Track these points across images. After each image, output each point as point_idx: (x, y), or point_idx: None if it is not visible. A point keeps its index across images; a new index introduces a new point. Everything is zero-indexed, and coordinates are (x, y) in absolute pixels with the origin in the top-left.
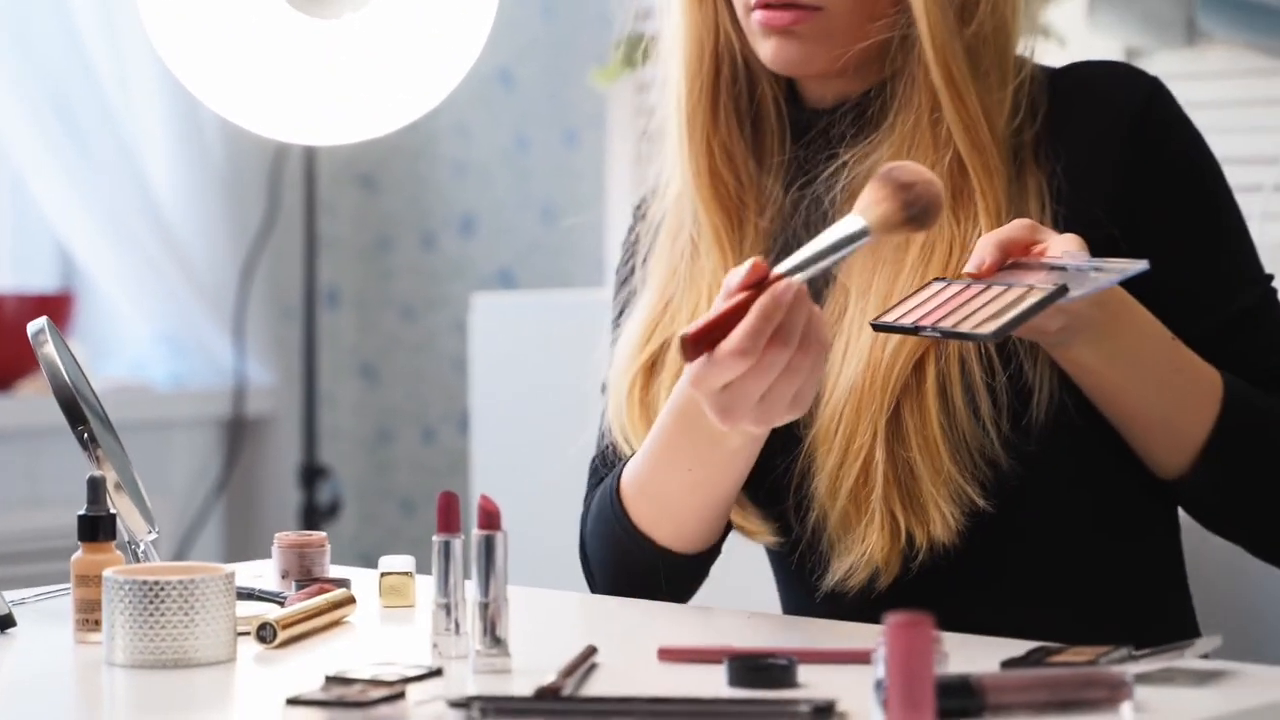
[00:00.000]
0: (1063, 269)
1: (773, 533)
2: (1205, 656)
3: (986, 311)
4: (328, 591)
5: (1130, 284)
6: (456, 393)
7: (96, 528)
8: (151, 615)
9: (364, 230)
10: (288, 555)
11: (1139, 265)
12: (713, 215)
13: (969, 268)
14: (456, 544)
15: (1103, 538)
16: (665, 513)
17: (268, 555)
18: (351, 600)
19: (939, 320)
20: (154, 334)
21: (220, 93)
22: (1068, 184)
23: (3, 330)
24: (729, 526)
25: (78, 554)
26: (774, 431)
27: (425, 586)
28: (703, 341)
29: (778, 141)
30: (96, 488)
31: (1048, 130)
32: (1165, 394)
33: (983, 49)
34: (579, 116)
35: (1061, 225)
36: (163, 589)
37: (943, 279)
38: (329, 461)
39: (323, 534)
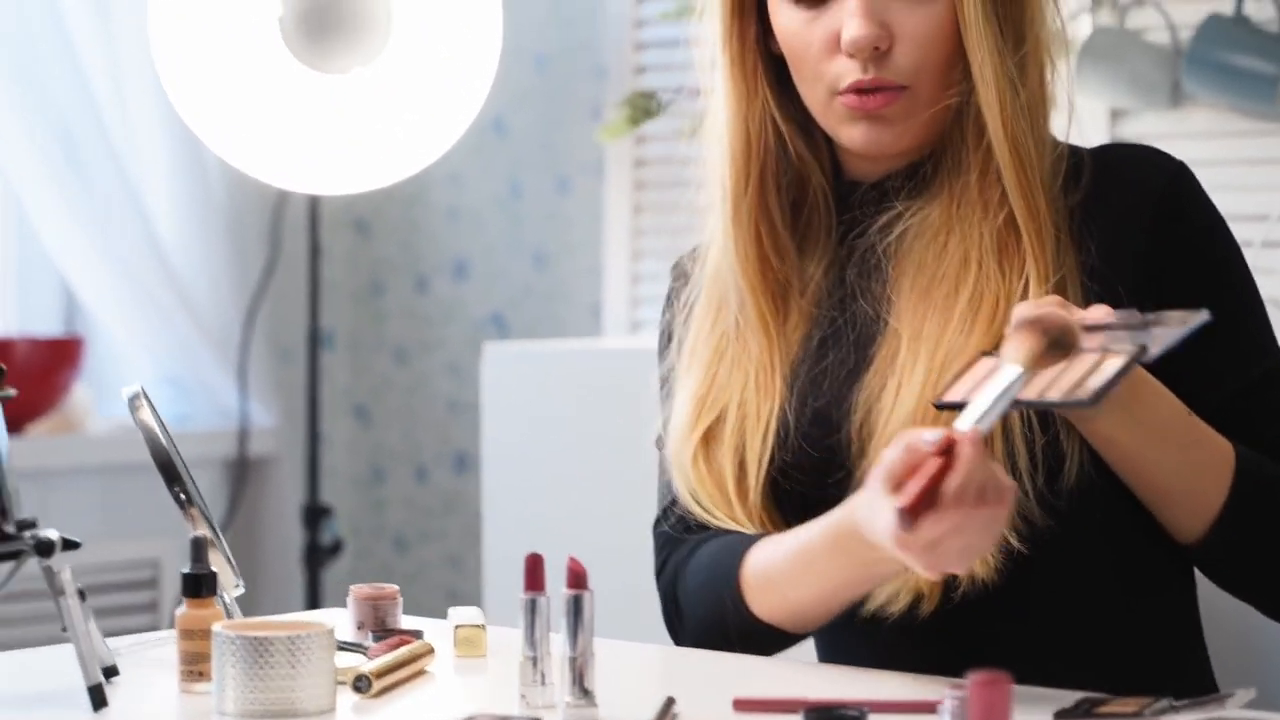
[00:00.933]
0: (1110, 328)
1: None
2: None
3: (1066, 380)
4: (408, 643)
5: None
6: (449, 433)
7: (200, 584)
8: (260, 669)
9: (357, 274)
10: (363, 607)
11: (1201, 316)
12: (759, 300)
13: (1011, 327)
14: (542, 601)
15: (1123, 589)
16: (789, 607)
17: (270, 593)
18: (431, 651)
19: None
20: (158, 376)
21: (230, 142)
22: (1099, 261)
23: (14, 374)
24: None
25: (181, 609)
26: (827, 462)
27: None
28: (919, 509)
29: (821, 220)
30: (199, 547)
31: (1082, 206)
32: (1182, 465)
33: (1034, 117)
34: (572, 164)
35: (1093, 300)
36: (270, 644)
37: (989, 353)
38: (329, 501)
39: (395, 587)
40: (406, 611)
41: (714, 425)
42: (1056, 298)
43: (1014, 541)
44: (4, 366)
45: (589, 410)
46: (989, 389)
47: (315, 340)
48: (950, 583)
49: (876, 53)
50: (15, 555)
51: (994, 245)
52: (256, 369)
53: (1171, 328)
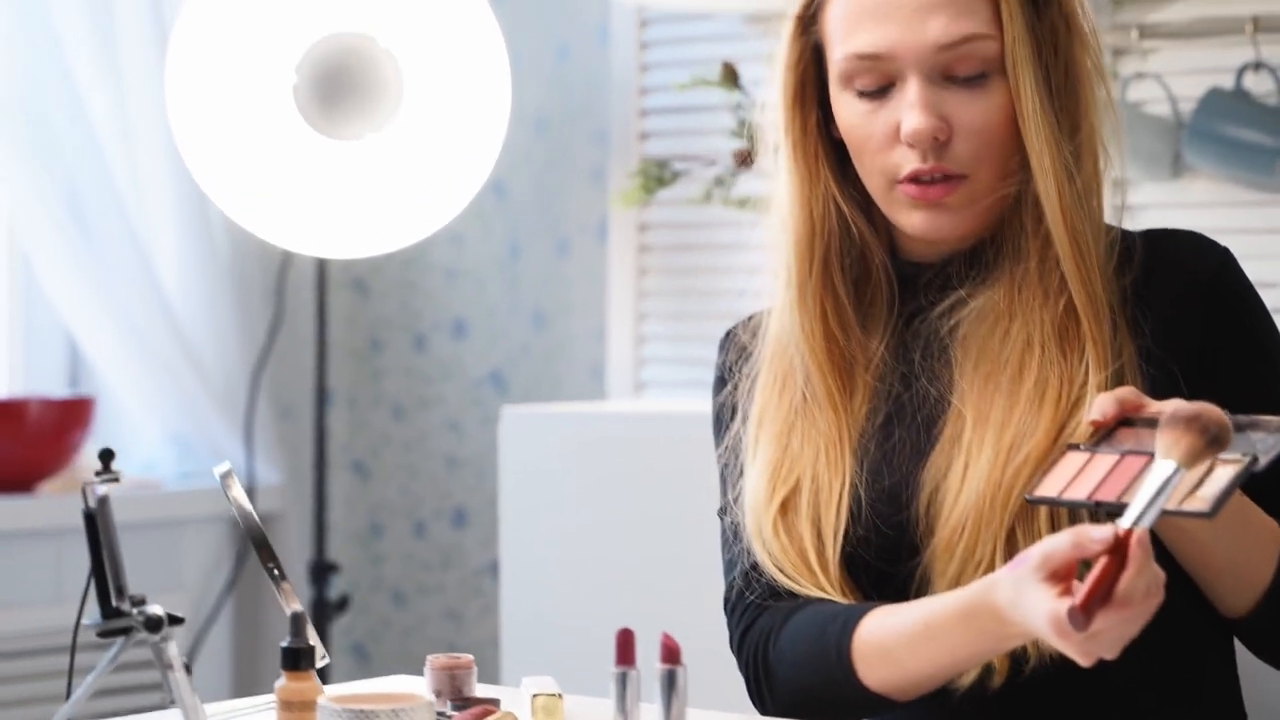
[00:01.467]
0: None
1: None
2: None
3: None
4: (491, 712)
5: None
6: (448, 489)
7: (298, 658)
8: None
9: (356, 332)
10: (440, 676)
11: None
12: (827, 377)
13: (1093, 415)
14: (632, 674)
15: (1174, 661)
16: (906, 677)
17: (276, 650)
18: None
19: (1113, 494)
20: (164, 434)
21: (242, 205)
22: (1154, 345)
23: (26, 434)
24: None
25: (281, 681)
26: (898, 540)
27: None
28: (1093, 603)
29: (883, 297)
30: (298, 622)
31: (1135, 291)
32: (1235, 544)
33: (1090, 203)
34: (571, 227)
35: (1150, 384)
36: (374, 717)
37: (1076, 446)
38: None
39: (470, 656)
40: (401, 663)
41: (790, 496)
42: (1134, 389)
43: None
44: (112, 450)
45: (603, 470)
46: (1145, 488)
47: (322, 398)
48: (1019, 656)
49: (936, 143)
50: (126, 631)
51: (1055, 330)
52: (261, 427)
53: (1272, 434)
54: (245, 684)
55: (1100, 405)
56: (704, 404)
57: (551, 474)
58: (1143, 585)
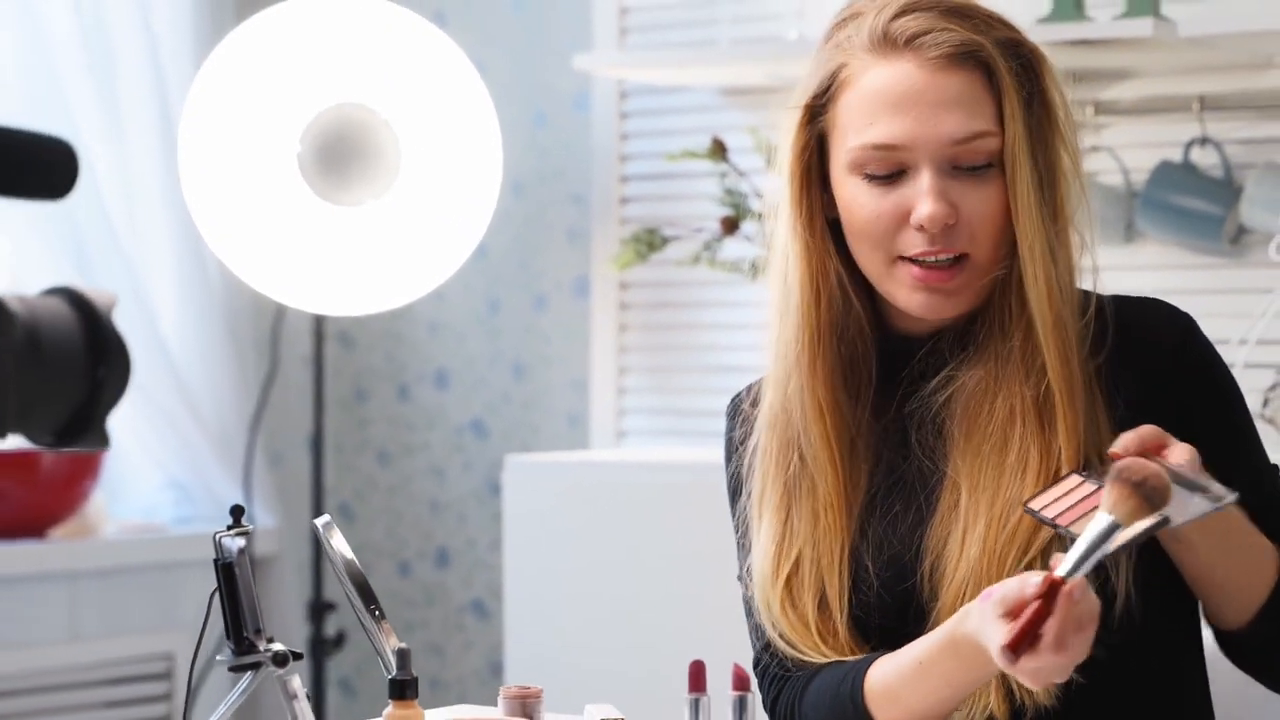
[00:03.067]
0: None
1: None
2: None
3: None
4: None
5: None
6: (431, 530)
7: (404, 689)
8: None
9: (342, 382)
10: (513, 705)
11: (1231, 497)
12: (831, 444)
13: (1114, 448)
14: (704, 700)
15: (1157, 690)
16: (913, 714)
17: (270, 688)
18: None
19: (1069, 522)
20: (164, 481)
21: (247, 264)
22: (1127, 412)
23: (39, 482)
24: None
25: (390, 709)
26: (905, 605)
27: None
28: (1021, 645)
29: (871, 371)
30: (404, 657)
31: (1108, 362)
32: (1239, 562)
33: (1069, 285)
34: (548, 283)
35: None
36: None
37: (1081, 469)
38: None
39: (540, 687)
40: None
41: (793, 572)
42: (1158, 428)
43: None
44: (242, 506)
45: (598, 516)
46: (1085, 537)
47: (319, 445)
48: (1018, 707)
49: (945, 227)
50: (257, 666)
51: (1035, 405)
52: (258, 473)
53: (1205, 506)
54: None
55: (1123, 441)
56: (684, 452)
57: (550, 517)
58: (1072, 628)
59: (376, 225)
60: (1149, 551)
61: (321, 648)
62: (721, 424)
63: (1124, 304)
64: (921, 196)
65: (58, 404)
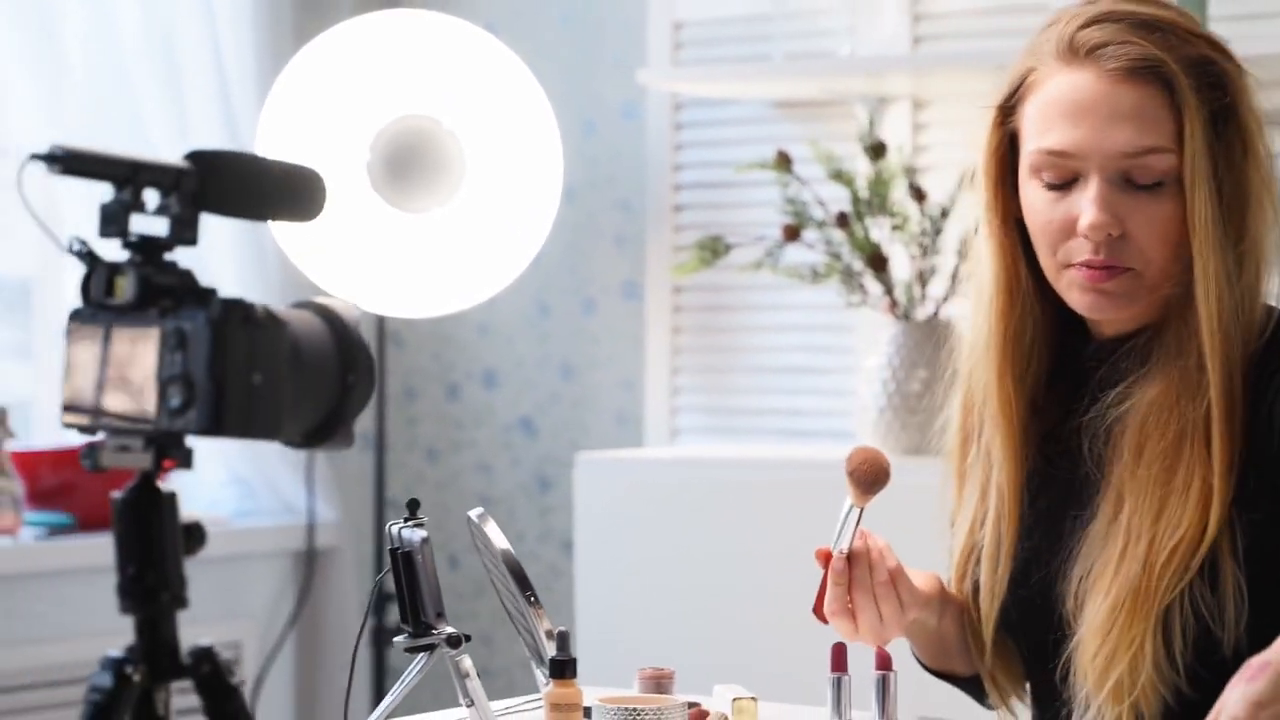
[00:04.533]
0: None
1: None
2: None
3: None
4: (706, 714)
5: None
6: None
7: (564, 668)
8: None
9: (393, 381)
10: (648, 684)
11: None
12: (1009, 436)
13: None
14: (845, 679)
15: None
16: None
17: (337, 670)
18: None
19: None
20: (228, 477)
21: (320, 269)
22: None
23: (109, 475)
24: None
25: (549, 687)
26: (1046, 607)
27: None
28: (818, 610)
29: (1041, 367)
30: (565, 639)
31: (1252, 402)
32: None
33: (1247, 312)
34: (596, 288)
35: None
36: (642, 715)
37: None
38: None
39: (672, 668)
40: (433, 682)
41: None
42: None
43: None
44: (418, 500)
45: (662, 510)
46: (839, 521)
47: (381, 442)
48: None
49: (1109, 239)
50: (432, 648)
51: (1205, 427)
52: (320, 468)
53: None
54: (305, 706)
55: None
56: (736, 450)
57: (620, 512)
58: (839, 597)
59: (442, 231)
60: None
61: (384, 636)
62: (773, 421)
63: None
64: (1086, 205)
65: (313, 408)
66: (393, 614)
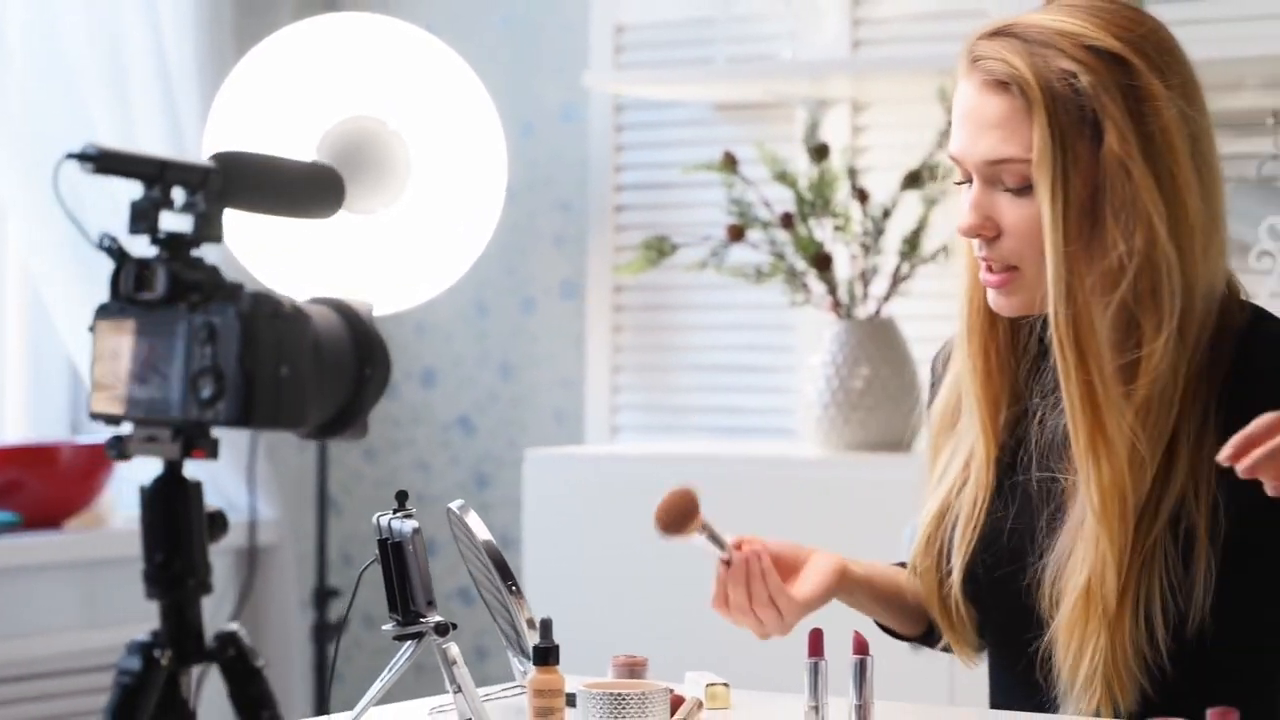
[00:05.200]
0: None
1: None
2: None
3: None
4: (681, 700)
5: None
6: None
7: (547, 655)
8: (618, 717)
9: None
10: (622, 671)
11: None
12: (981, 410)
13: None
14: (823, 664)
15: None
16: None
17: (278, 665)
18: (702, 705)
19: None
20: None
21: (264, 266)
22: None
23: (58, 475)
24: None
25: (532, 674)
26: (1017, 582)
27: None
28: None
29: (1030, 351)
30: (548, 627)
31: (1228, 395)
32: None
33: (1137, 314)
34: (535, 287)
35: (1218, 500)
36: (626, 700)
37: None
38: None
39: (645, 656)
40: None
41: (941, 514)
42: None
43: (1129, 701)
44: (406, 492)
45: (609, 504)
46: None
47: (324, 442)
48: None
49: (985, 238)
50: (420, 636)
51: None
52: (262, 467)
53: None
54: None
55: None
56: (678, 446)
57: (567, 507)
58: (720, 596)
59: (387, 232)
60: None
61: (325, 632)
62: (714, 419)
63: (1259, 329)
64: (963, 206)
65: (331, 400)
66: (334, 610)
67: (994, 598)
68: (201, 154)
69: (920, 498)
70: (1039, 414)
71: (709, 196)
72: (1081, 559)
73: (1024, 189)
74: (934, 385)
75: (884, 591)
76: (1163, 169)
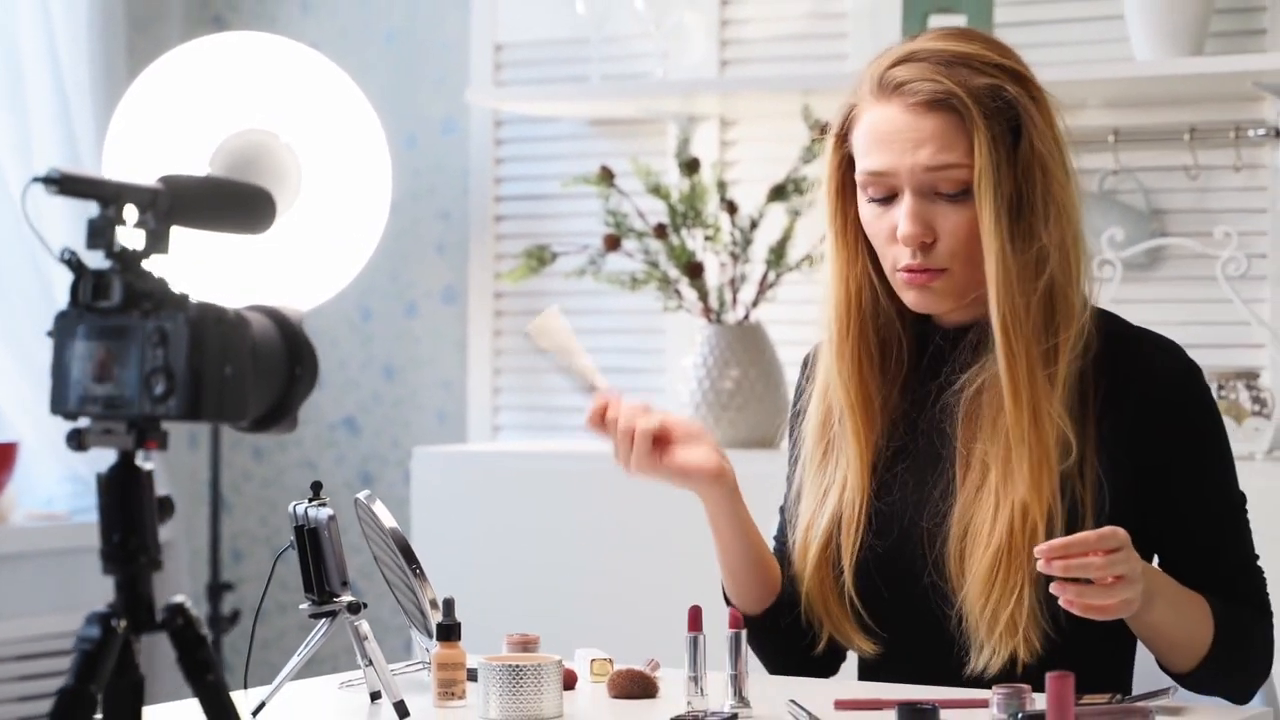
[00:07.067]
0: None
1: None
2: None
3: None
4: (574, 673)
5: (1148, 512)
6: None
7: (450, 632)
8: (517, 688)
9: None
10: (516, 648)
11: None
12: (856, 416)
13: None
14: (701, 638)
15: (1094, 656)
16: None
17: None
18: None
19: None
20: (64, 474)
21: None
22: (1112, 434)
23: None
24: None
25: (436, 649)
26: (914, 565)
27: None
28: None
29: (901, 354)
30: (450, 606)
31: (1105, 388)
32: (1182, 622)
33: (1040, 309)
34: (418, 292)
35: (1105, 478)
36: (524, 671)
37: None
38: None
39: (537, 634)
40: (257, 675)
41: (815, 517)
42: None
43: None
44: (320, 482)
45: (492, 498)
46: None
47: (217, 439)
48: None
49: (922, 245)
50: (334, 615)
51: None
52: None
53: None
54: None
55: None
56: (555, 444)
57: (453, 502)
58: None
59: (277, 241)
60: None
61: (220, 624)
62: (582, 419)
63: (1132, 337)
64: (901, 217)
65: (266, 396)
66: (228, 603)
67: (890, 581)
68: (100, 167)
69: (782, 489)
70: (933, 395)
71: (586, 207)
72: (991, 520)
73: (959, 194)
74: (800, 384)
75: (755, 539)
76: (1065, 167)
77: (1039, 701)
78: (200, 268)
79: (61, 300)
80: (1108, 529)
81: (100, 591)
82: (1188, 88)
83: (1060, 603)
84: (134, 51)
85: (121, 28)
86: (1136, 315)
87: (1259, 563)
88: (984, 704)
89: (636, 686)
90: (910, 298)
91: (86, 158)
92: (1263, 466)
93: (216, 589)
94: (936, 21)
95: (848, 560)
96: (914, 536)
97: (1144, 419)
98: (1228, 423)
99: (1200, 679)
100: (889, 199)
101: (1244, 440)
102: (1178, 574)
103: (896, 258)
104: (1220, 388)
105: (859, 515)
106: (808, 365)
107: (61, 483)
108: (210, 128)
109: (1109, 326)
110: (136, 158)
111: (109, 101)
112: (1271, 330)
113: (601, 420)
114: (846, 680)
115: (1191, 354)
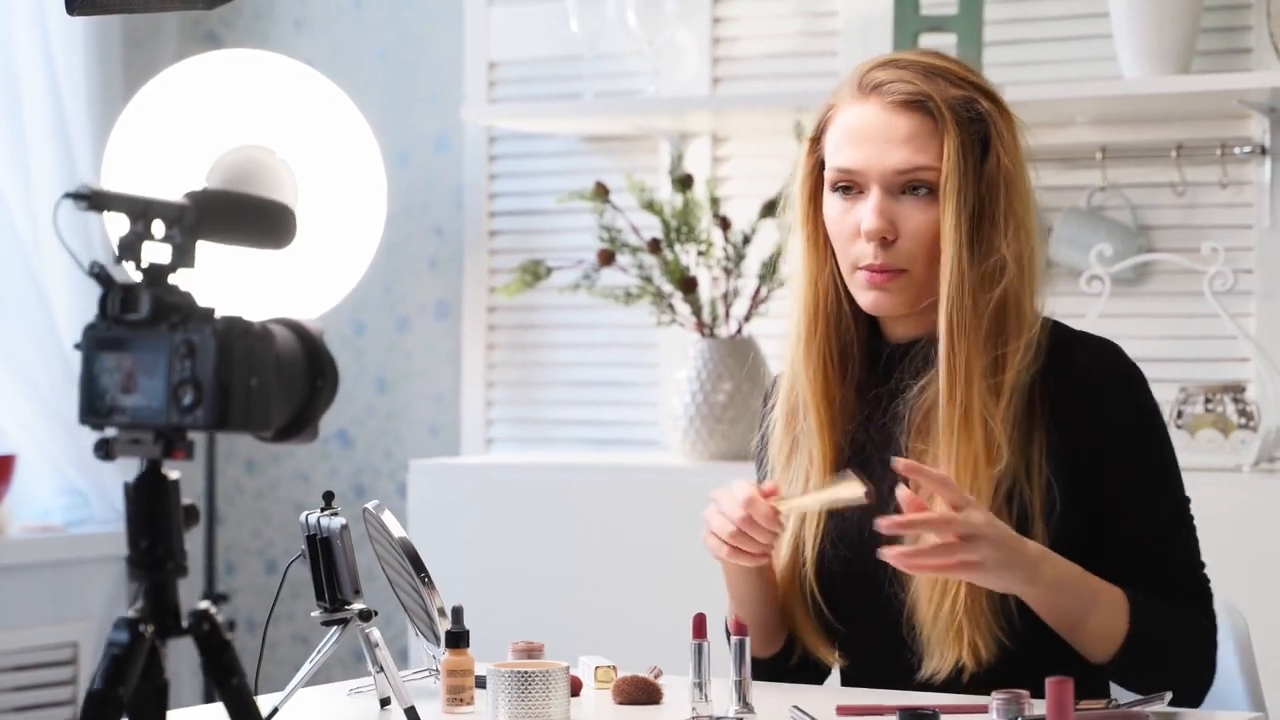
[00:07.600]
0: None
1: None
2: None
3: None
4: (579, 680)
5: (1093, 515)
6: (296, 531)
7: (459, 639)
8: (525, 693)
9: None
10: (521, 655)
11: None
12: (819, 415)
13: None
14: (705, 645)
15: (1056, 659)
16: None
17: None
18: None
19: None
20: (60, 486)
21: None
22: (1056, 434)
23: None
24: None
25: (445, 655)
26: (871, 564)
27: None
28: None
29: (859, 365)
30: (459, 614)
31: (1050, 393)
32: (1090, 611)
33: (1005, 314)
34: (410, 307)
35: (1050, 481)
36: (532, 677)
37: None
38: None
39: (542, 641)
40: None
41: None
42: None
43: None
44: (333, 492)
45: (486, 510)
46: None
47: (212, 451)
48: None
49: (885, 241)
50: (346, 621)
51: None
52: None
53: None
54: None
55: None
56: (549, 457)
57: (449, 514)
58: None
59: (274, 256)
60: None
61: None
62: (582, 431)
63: (1077, 343)
64: (866, 212)
65: (289, 407)
66: (223, 614)
67: (854, 594)
68: (100, 181)
69: None
70: (884, 402)
71: (579, 223)
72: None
73: (925, 195)
74: (763, 412)
75: (772, 585)
76: (1027, 187)
77: (1038, 707)
78: (197, 281)
79: (59, 316)
80: (953, 513)
81: (95, 603)
82: (1175, 105)
83: (894, 565)
84: (130, 69)
85: (118, 45)
86: (1124, 330)
87: (1205, 570)
88: (984, 709)
89: (642, 693)
90: (867, 299)
91: (84, 174)
92: (1249, 479)
93: (211, 600)
94: (927, 40)
95: (810, 571)
96: (871, 548)
97: (1083, 421)
98: (1215, 435)
99: (1116, 671)
100: (854, 193)
101: (1230, 453)
102: (1120, 576)
103: (858, 256)
104: (1207, 401)
105: (820, 525)
106: (767, 397)
107: (57, 495)
108: (206, 144)
109: (1053, 333)
110: (134, 174)
111: (106, 118)
112: (1257, 344)
113: None
114: (850, 687)
115: (1179, 368)
